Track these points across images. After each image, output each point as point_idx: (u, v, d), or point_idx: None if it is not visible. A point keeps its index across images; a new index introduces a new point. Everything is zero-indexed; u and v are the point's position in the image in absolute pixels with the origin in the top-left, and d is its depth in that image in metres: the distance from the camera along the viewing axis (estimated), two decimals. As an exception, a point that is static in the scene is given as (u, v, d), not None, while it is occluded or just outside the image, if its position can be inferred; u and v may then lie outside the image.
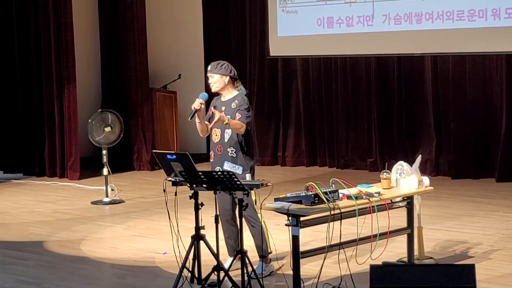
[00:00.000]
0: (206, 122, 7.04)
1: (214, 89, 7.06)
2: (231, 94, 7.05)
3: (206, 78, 7.23)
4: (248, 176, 6.64)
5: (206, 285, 6.46)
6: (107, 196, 10.56)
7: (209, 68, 7.10)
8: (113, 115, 10.77)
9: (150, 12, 13.33)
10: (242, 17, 13.17)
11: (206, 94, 6.98)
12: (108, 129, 10.65)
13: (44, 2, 12.29)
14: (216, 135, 7.02)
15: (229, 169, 6.88)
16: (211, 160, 7.11)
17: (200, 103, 6.85)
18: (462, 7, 10.40)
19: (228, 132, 6.97)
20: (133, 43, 12.90)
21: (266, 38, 12.40)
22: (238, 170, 6.87)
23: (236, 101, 7.00)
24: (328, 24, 11.59)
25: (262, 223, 7.01)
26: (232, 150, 6.95)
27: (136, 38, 12.88)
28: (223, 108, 7.00)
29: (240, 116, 6.90)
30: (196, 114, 6.86)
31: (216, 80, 7.02)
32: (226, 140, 6.98)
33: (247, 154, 6.98)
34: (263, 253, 7.05)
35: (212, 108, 6.98)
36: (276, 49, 12.24)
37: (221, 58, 13.20)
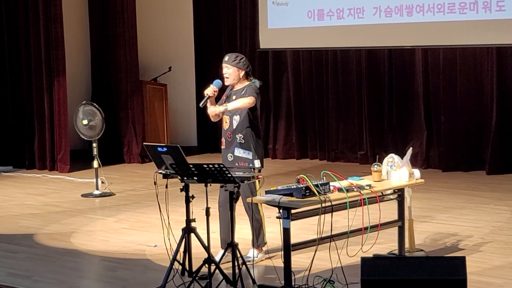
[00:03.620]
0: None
1: (228, 82, 7.08)
2: (243, 85, 7.08)
3: (220, 68, 7.18)
4: (256, 162, 6.82)
5: (197, 278, 6.45)
6: (97, 189, 10.54)
7: (226, 58, 7.09)
8: (95, 109, 10.69)
9: (140, 5, 13.29)
10: (232, 10, 13.14)
11: (220, 82, 7.01)
12: (85, 122, 10.61)
13: (33, -5, 12.25)
14: (226, 122, 7.09)
15: (239, 155, 6.98)
16: (222, 147, 7.17)
17: (214, 91, 6.92)
18: (453, -1, 10.42)
19: (236, 119, 7.02)
20: (123, 36, 12.85)
21: (256, 31, 12.38)
22: (248, 155, 6.97)
23: (246, 89, 7.04)
24: (318, 17, 11.59)
25: (261, 214, 7.06)
26: (240, 137, 7.01)
27: (126, 31, 12.84)
28: (234, 97, 7.06)
29: (246, 94, 6.97)
30: (208, 101, 6.93)
31: (231, 73, 7.04)
32: (234, 127, 7.04)
33: (256, 140, 7.03)
34: (259, 243, 7.10)
35: (224, 97, 7.12)
36: (266, 41, 12.23)
37: (212, 51, 13.36)
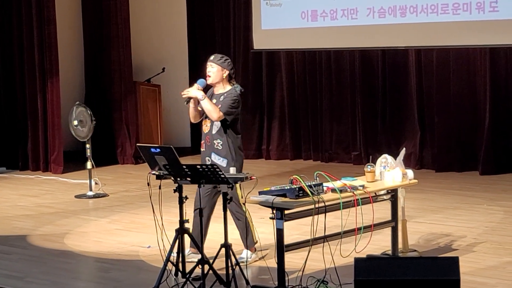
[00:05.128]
0: (199, 108, 7.09)
1: (210, 80, 7.08)
2: (225, 89, 7.08)
3: (204, 68, 7.20)
4: (232, 170, 6.64)
5: (190, 279, 6.45)
6: (91, 190, 10.53)
7: (211, 57, 7.11)
8: (84, 110, 10.67)
9: (134, 6, 13.28)
10: (226, 10, 13.14)
11: (204, 81, 7.07)
12: (75, 122, 10.61)
13: (26, -4, 12.23)
14: (206, 126, 7.08)
15: (215, 161, 6.95)
16: (202, 150, 7.15)
17: (197, 89, 6.94)
18: (447, 0, 10.42)
19: (216, 125, 7.02)
20: (116, 37, 12.84)
21: (250, 31, 12.38)
22: (222, 163, 6.93)
23: (226, 94, 7.02)
24: (312, 17, 11.59)
25: (247, 214, 7.05)
26: (218, 143, 6.99)
27: (119, 32, 12.83)
28: (214, 101, 7.04)
29: (220, 105, 6.93)
30: (192, 99, 6.97)
31: (215, 71, 7.04)
32: (214, 132, 7.04)
33: (234, 148, 7.00)
34: (249, 244, 7.10)
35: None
36: (260, 42, 12.23)
37: (205, 52, 13.31)
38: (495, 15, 10.11)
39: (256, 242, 7.20)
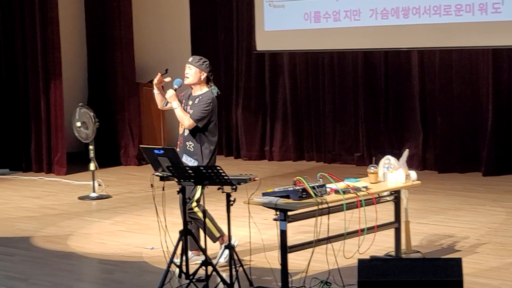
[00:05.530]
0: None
1: (187, 81, 7.18)
2: (201, 91, 7.14)
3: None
4: None
5: (194, 280, 6.46)
6: (94, 191, 10.53)
7: (190, 59, 7.22)
8: (88, 111, 10.68)
9: (137, 7, 13.29)
10: (229, 12, 13.15)
11: (180, 80, 7.16)
12: (78, 124, 10.63)
13: (29, -3, 12.25)
14: (181, 127, 7.15)
15: (186, 162, 6.98)
16: (177, 150, 7.18)
17: (158, 79, 7.17)
18: (449, 2, 10.43)
19: None
20: (119, 38, 12.86)
21: (253, 33, 12.39)
22: (194, 164, 6.93)
23: (200, 97, 7.07)
24: (315, 19, 11.60)
25: (199, 214, 6.97)
26: (190, 144, 7.06)
27: (122, 33, 12.85)
28: (190, 102, 7.13)
29: (192, 111, 6.99)
30: (155, 86, 7.19)
31: (193, 73, 7.14)
32: (186, 134, 7.10)
33: (206, 152, 7.03)
34: (214, 240, 7.10)
35: (181, 94, 7.25)
36: (263, 43, 12.24)
37: (208, 53, 13.33)
38: (497, 16, 10.12)
39: (220, 235, 7.11)
